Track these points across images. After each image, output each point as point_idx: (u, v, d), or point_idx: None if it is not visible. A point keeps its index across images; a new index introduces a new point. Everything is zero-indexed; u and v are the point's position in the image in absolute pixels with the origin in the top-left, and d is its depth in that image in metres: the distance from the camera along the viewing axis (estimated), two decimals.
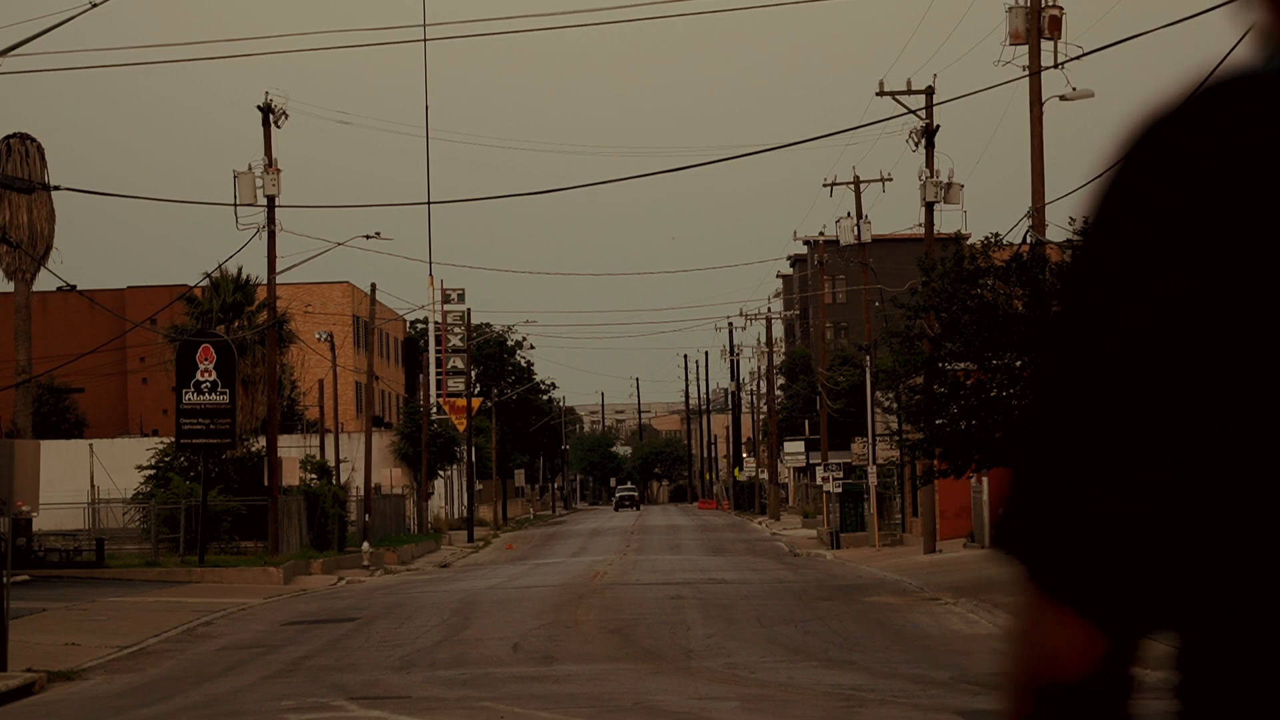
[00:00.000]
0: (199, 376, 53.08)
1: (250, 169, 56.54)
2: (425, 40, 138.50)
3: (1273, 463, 1.62)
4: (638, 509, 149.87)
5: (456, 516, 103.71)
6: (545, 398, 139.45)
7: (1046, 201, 42.63)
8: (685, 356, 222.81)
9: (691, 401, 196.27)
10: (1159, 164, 1.65)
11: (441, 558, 69.91)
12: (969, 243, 42.52)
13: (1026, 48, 44.09)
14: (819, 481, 68.54)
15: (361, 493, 71.62)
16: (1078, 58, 43.29)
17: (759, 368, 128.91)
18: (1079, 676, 1.74)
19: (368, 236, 65.14)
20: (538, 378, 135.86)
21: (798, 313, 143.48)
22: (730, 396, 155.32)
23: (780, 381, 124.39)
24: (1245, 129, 1.63)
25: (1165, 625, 1.71)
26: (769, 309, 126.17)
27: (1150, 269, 1.64)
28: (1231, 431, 1.62)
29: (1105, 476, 1.67)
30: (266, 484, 56.87)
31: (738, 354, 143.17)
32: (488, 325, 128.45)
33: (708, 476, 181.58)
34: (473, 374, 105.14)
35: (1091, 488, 1.69)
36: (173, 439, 56.53)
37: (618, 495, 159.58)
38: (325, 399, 78.05)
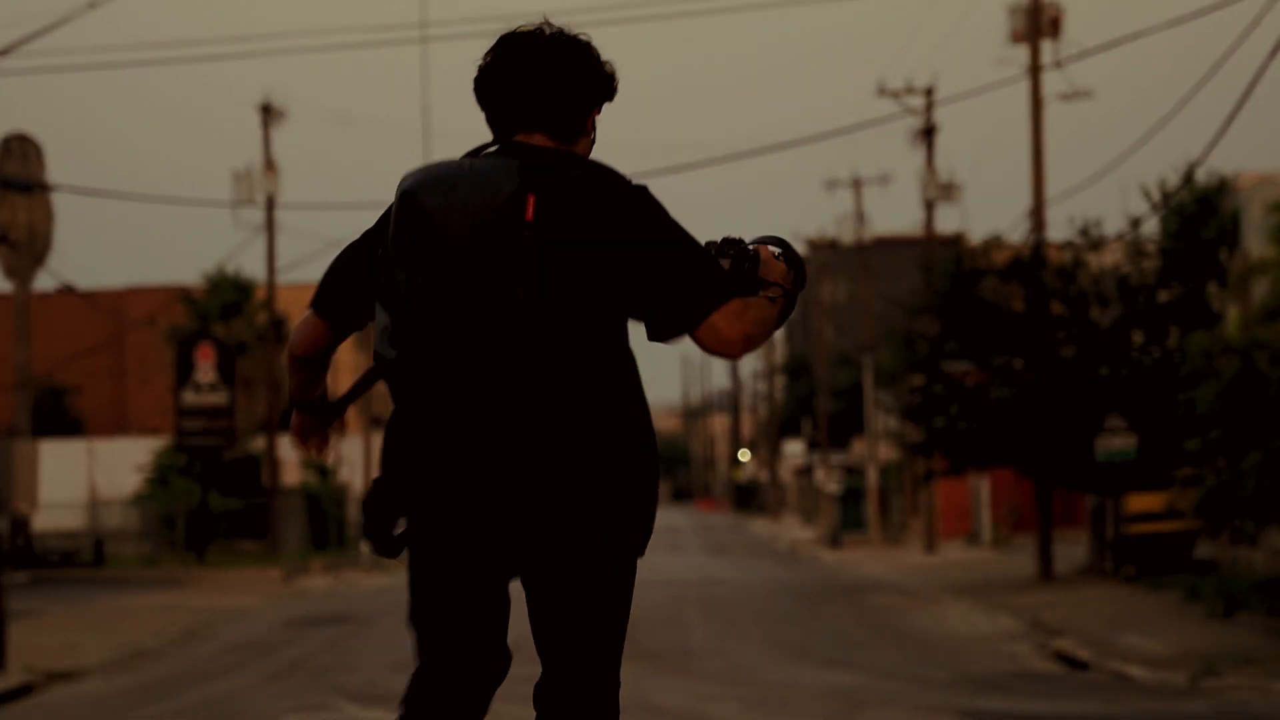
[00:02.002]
0: (198, 377, 53.08)
1: (249, 168, 56.56)
2: (425, 40, 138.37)
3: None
4: None
5: None
6: None
7: (1046, 201, 42.62)
8: (685, 357, 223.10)
9: (691, 401, 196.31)
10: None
11: None
12: (968, 243, 42.55)
13: (1026, 47, 44.08)
14: (818, 482, 68.55)
15: (361, 493, 71.62)
16: (1078, 58, 43.34)
17: (759, 367, 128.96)
18: (315, 346, 5.14)
19: None
20: None
21: (798, 312, 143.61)
22: (730, 397, 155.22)
23: (780, 381, 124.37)
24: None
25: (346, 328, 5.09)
26: None
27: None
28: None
29: (345, 277, 4.99)
30: (266, 484, 56.87)
31: None
32: None
33: (707, 477, 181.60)
34: None
35: (340, 279, 4.98)
36: (172, 439, 56.51)
37: None
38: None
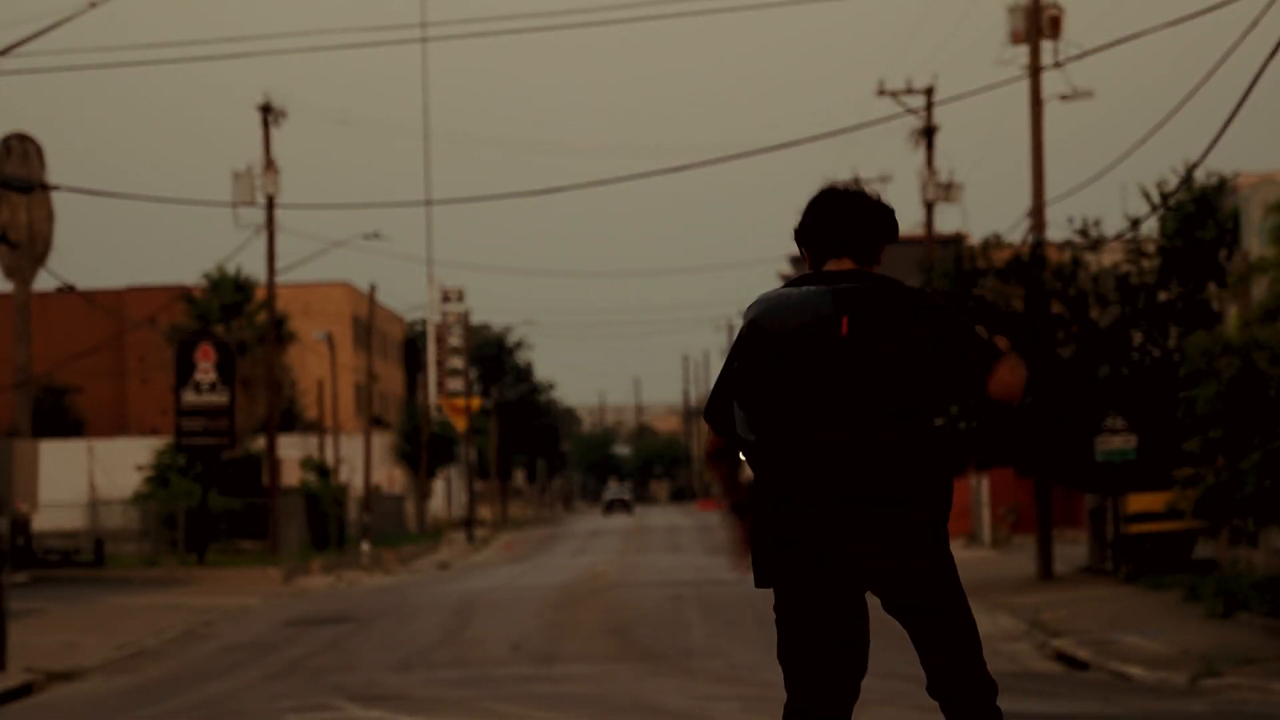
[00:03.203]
0: (198, 376, 53.05)
1: (249, 168, 56.54)
2: (424, 40, 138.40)
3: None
4: (630, 512, 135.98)
5: (456, 517, 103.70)
6: (545, 398, 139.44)
7: (1046, 201, 42.62)
8: (685, 357, 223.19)
9: (691, 402, 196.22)
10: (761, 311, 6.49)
11: (441, 558, 69.90)
12: (968, 243, 42.52)
13: (1026, 48, 44.08)
14: None
15: (361, 493, 71.60)
16: (1078, 58, 43.32)
17: None
18: (718, 446, 6.67)
19: (367, 237, 65.18)
20: (537, 378, 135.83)
21: None
22: None
23: None
24: (780, 306, 6.44)
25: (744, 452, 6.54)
26: None
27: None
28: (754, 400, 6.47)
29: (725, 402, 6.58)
30: (266, 484, 56.87)
31: None
32: (487, 325, 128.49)
33: (708, 477, 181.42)
34: (472, 374, 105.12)
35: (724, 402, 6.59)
36: (172, 439, 56.50)
37: (607, 497, 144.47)
38: (324, 399, 78.03)
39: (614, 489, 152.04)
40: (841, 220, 6.60)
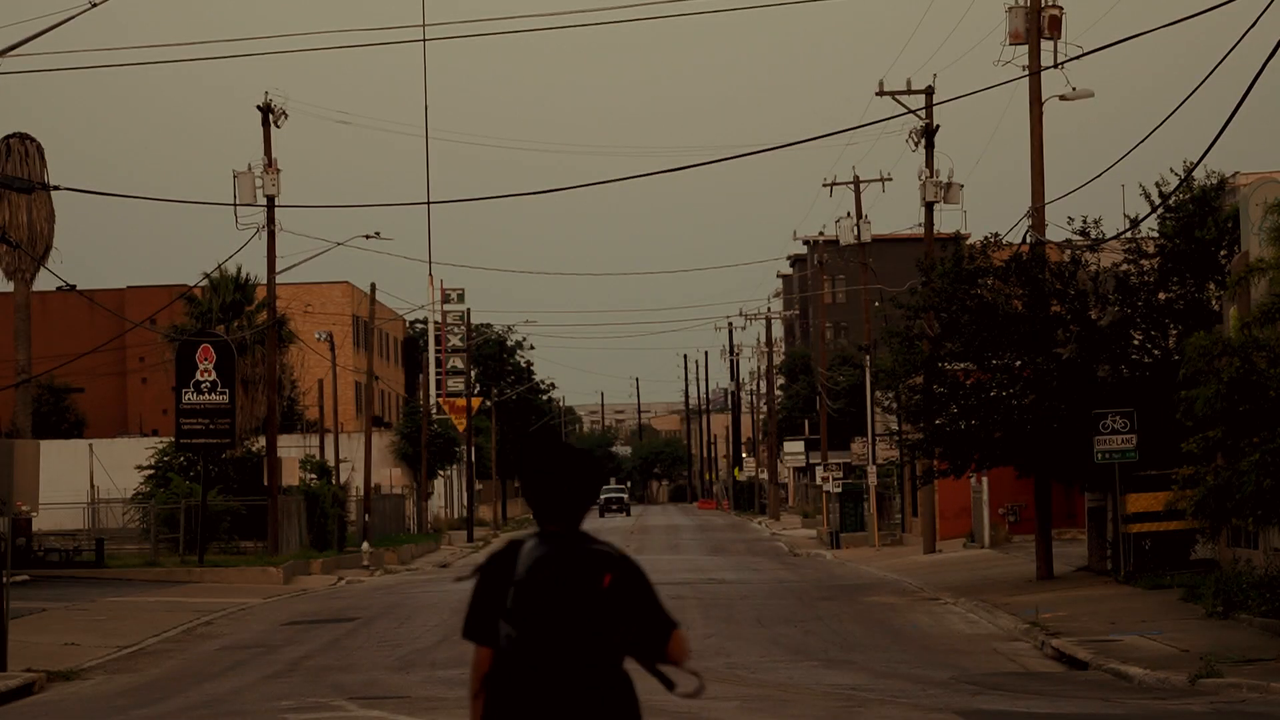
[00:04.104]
0: (199, 376, 53.04)
1: (250, 169, 56.51)
2: (425, 40, 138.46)
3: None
4: (627, 513, 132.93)
5: (456, 516, 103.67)
6: (545, 398, 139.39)
7: (1046, 201, 42.61)
8: (685, 357, 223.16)
9: (691, 401, 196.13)
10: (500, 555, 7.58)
11: (441, 558, 69.91)
12: (968, 243, 42.52)
13: (1026, 48, 44.05)
14: (819, 481, 68.46)
15: (361, 493, 71.60)
16: (1078, 58, 43.28)
17: (759, 368, 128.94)
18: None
19: (367, 236, 65.12)
20: (537, 378, 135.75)
21: (797, 313, 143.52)
22: (730, 396, 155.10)
23: (780, 381, 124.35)
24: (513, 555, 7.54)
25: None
26: (769, 309, 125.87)
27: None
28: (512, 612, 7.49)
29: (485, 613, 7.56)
30: (266, 484, 56.85)
31: (737, 354, 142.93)
32: (487, 325, 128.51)
33: (708, 476, 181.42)
34: (472, 374, 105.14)
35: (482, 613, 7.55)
36: (172, 439, 56.48)
37: (603, 497, 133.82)
38: (325, 399, 78.03)
39: (610, 489, 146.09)
40: (561, 495, 7.58)
